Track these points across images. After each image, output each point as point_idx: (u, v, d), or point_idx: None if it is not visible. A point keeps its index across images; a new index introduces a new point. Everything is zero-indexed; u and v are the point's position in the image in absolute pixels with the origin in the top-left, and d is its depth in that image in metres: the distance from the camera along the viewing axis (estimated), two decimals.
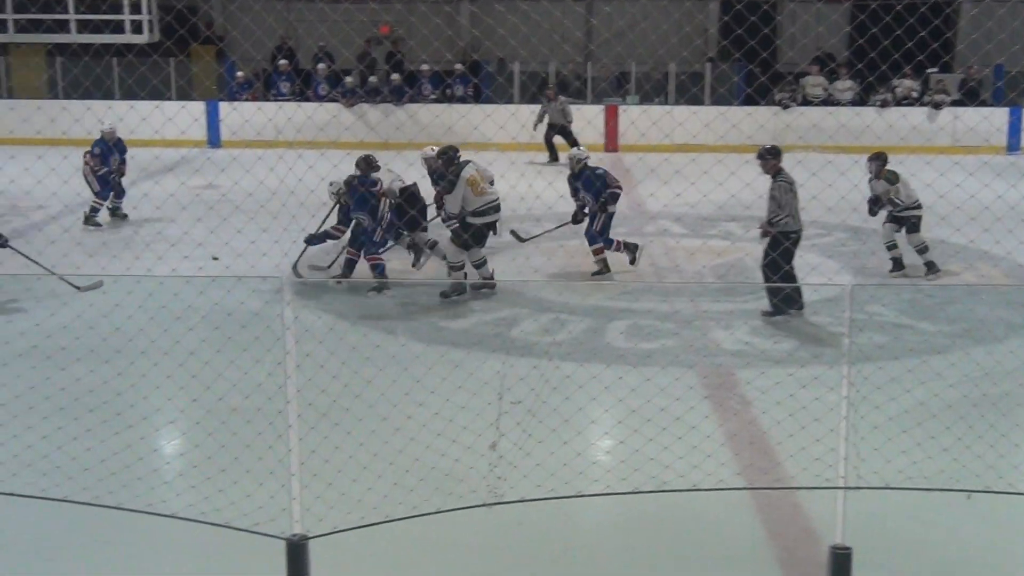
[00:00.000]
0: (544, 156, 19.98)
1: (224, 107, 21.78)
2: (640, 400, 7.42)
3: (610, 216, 11.80)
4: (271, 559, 5.16)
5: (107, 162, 14.63)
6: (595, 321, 10.18)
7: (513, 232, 12.99)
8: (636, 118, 20.36)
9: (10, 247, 10.89)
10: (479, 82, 23.32)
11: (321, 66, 22.52)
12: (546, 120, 20.35)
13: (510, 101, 22.45)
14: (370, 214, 11.17)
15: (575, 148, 13.35)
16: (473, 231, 10.98)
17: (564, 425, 7.11)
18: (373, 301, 10.85)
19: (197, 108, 21.40)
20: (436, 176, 12.13)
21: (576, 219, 12.11)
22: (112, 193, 14.70)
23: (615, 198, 11.77)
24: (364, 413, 7.28)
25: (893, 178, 11.68)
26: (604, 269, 11.75)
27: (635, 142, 20.15)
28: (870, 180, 11.78)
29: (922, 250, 11.75)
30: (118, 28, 19.58)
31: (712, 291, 11.19)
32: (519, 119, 17.85)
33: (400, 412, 7.33)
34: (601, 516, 6.58)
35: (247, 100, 22.38)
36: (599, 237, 11.76)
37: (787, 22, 23.60)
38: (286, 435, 5.04)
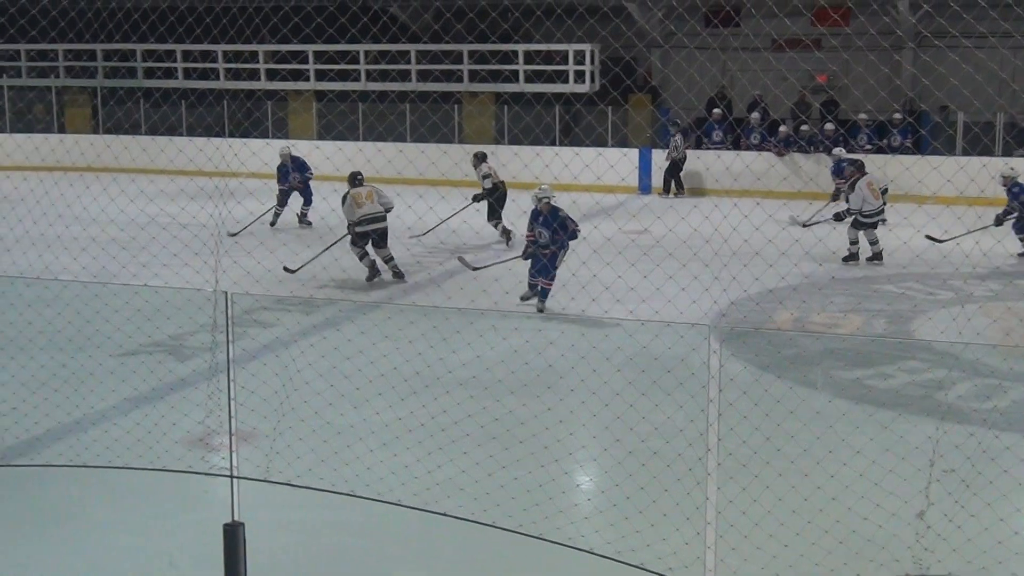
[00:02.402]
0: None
1: (658, 155, 22.24)
2: None
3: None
4: None
5: (286, 179, 17.44)
6: None
7: (461, 259, 13.47)
8: None
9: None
10: (924, 132, 22.36)
11: (755, 115, 22.46)
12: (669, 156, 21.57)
13: (954, 152, 21.38)
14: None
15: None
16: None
17: (1001, 500, 6.64)
18: (799, 353, 10.64)
19: (633, 155, 22.02)
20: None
21: None
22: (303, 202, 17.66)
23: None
24: (784, 468, 7.15)
25: None
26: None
27: None
28: None
29: None
30: (563, 78, 20.49)
31: None
32: (968, 172, 16.95)
33: (822, 470, 7.13)
34: None
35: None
36: None
37: None
38: (704, 483, 5.03)
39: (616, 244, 12.74)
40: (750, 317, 11.95)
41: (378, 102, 23.34)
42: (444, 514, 5.64)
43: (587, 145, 20.62)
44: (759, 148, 21.94)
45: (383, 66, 24.51)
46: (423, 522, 6.69)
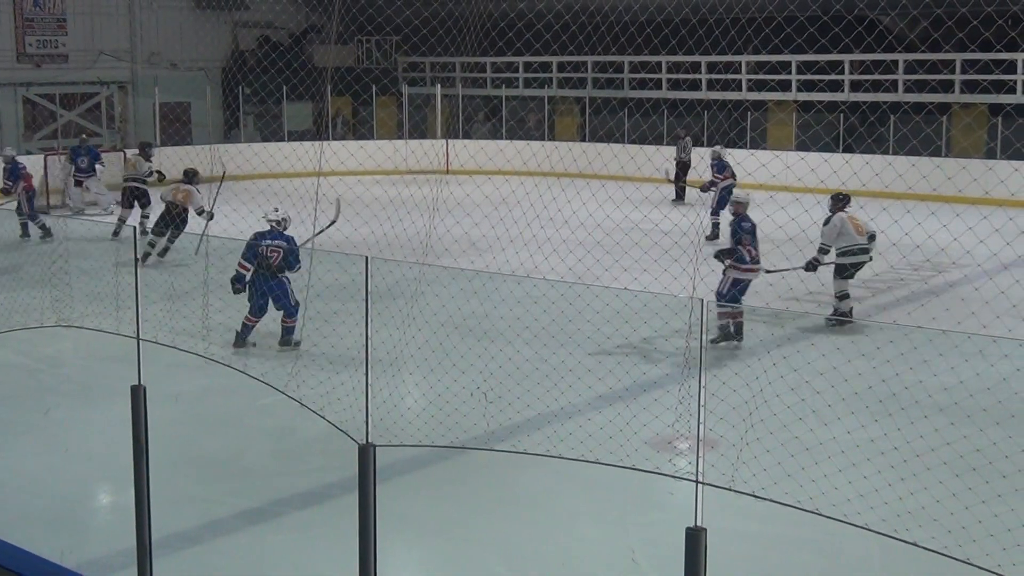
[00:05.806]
0: None
1: None
2: None
3: None
4: None
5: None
6: None
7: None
8: None
9: None
10: None
11: None
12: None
13: None
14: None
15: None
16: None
17: None
18: None
19: None
20: None
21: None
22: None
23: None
24: None
25: None
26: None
27: None
28: None
29: None
30: None
31: None
32: None
33: None
34: None
35: None
36: None
37: None
38: None
39: None
40: None
41: (868, 113, 22.70)
42: (914, 544, 5.35)
43: None
44: None
45: (866, 76, 23.80)
46: (887, 549, 6.42)
